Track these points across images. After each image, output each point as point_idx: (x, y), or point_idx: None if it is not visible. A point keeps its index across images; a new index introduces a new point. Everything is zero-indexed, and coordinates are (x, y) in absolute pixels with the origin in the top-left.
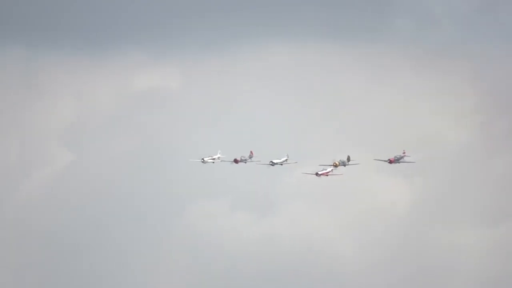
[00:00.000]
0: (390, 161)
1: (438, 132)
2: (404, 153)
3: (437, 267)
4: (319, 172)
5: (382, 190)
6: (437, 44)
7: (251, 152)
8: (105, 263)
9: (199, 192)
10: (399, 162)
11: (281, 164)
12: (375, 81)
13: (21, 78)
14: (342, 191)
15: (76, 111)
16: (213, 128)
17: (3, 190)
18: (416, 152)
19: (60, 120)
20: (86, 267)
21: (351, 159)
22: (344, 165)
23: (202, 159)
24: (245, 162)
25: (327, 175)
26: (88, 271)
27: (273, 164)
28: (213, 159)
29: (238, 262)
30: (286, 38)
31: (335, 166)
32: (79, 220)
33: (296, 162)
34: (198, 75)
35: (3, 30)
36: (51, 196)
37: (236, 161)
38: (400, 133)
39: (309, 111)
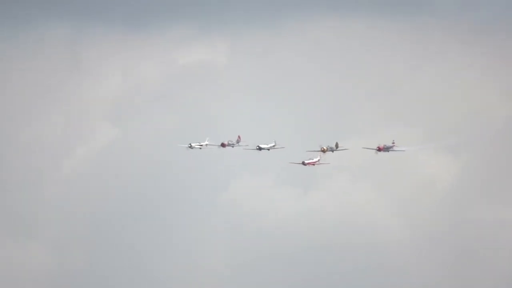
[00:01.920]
0: (379, 149)
1: (483, 108)
2: (393, 143)
3: (483, 243)
4: (306, 161)
5: (427, 166)
6: (483, 18)
7: (238, 136)
8: (150, 236)
9: (245, 168)
10: (388, 151)
11: (268, 150)
12: (418, 57)
13: (67, 54)
14: (388, 166)
15: (122, 86)
16: (257, 107)
17: (49, 165)
18: (462, 127)
19: (106, 95)
20: (130, 240)
21: (339, 145)
22: (332, 151)
23: (190, 144)
24: (232, 147)
25: (313, 165)
26: (132, 243)
27: (260, 149)
28: (201, 145)
29: (281, 239)
30: (330, 13)
31: (323, 151)
32: (123, 194)
33: (283, 148)
34: (245, 50)
35: (48, 7)
36: (97, 171)
37: (223, 145)
38: (444, 109)
39: (355, 88)
